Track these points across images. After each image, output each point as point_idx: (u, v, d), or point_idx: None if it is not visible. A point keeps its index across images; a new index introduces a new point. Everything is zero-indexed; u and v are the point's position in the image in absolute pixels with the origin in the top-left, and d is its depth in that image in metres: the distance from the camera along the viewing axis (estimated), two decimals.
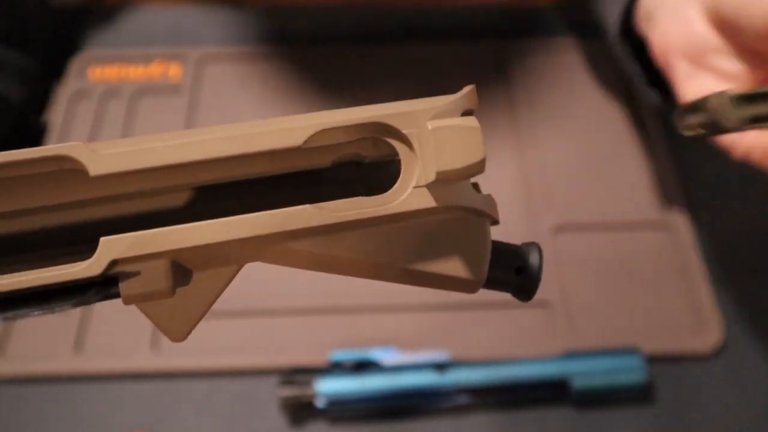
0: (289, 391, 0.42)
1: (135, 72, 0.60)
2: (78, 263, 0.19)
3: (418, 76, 0.59)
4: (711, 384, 0.45)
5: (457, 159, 0.19)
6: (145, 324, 0.46)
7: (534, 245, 0.22)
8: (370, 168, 0.21)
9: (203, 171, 0.19)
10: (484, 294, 0.48)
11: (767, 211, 0.53)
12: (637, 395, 0.44)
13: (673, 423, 0.44)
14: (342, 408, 0.43)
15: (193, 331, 0.25)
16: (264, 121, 0.20)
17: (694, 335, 0.46)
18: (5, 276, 0.18)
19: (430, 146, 0.19)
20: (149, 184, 0.19)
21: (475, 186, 0.21)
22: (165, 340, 0.46)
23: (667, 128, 0.56)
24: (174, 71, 0.60)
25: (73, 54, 0.61)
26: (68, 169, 0.19)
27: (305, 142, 0.19)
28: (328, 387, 0.42)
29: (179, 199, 0.20)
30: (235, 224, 0.20)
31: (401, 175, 0.20)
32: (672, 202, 0.52)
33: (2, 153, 0.18)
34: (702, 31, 0.37)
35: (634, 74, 0.47)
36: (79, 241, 0.20)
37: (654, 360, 0.45)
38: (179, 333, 0.22)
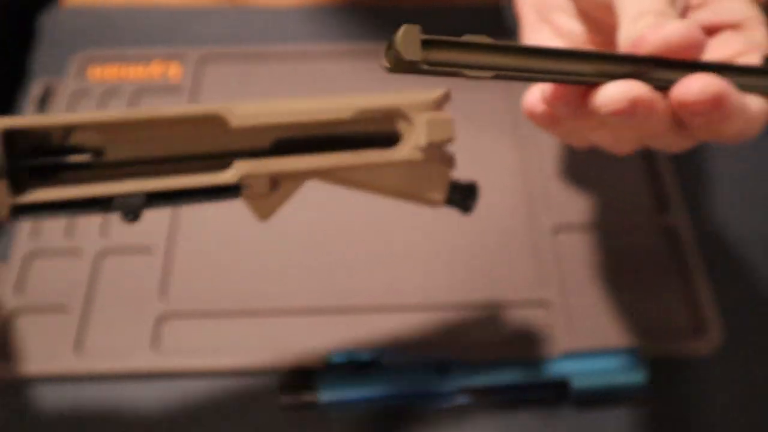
0: (289, 392, 0.42)
1: (135, 72, 0.60)
2: (222, 173, 0.32)
3: (419, 77, 0.59)
4: (710, 384, 0.45)
5: (438, 135, 0.33)
6: (145, 324, 0.47)
7: (473, 184, 0.37)
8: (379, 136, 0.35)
9: (287, 129, 0.33)
10: (484, 294, 0.48)
11: (766, 212, 0.53)
12: (637, 396, 0.44)
13: (673, 423, 0.44)
14: (342, 409, 0.43)
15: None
16: (327, 98, 0.33)
17: (693, 336, 0.46)
18: (177, 177, 0.32)
19: (423, 127, 0.33)
20: (259, 134, 0.33)
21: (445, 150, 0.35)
22: (165, 341, 0.46)
23: None
24: (174, 71, 0.60)
25: (72, 54, 0.61)
26: (214, 120, 0.32)
27: (352, 116, 0.33)
28: (328, 387, 0.42)
29: (266, 142, 0.33)
30: (307, 160, 0.33)
31: (403, 140, 0.34)
32: (672, 202, 0.52)
33: (173, 107, 0.31)
34: None
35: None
36: (213, 165, 0.33)
37: (653, 360, 0.45)
38: (266, 217, 0.34)
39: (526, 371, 0.43)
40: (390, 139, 0.34)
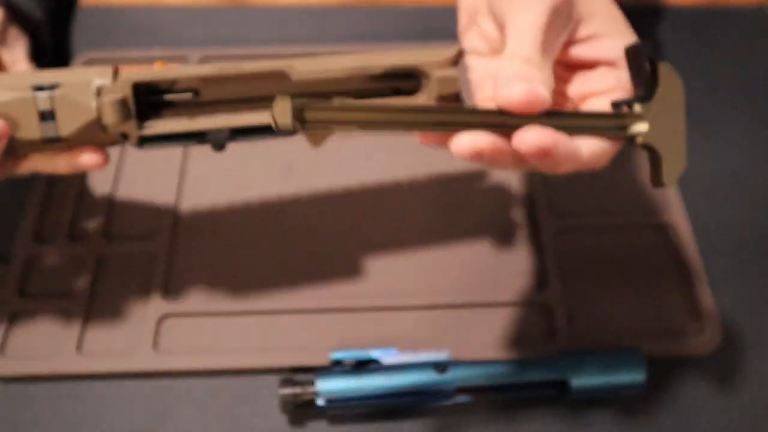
0: (289, 391, 0.42)
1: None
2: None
3: None
4: (709, 384, 0.45)
5: (446, 90, 0.40)
6: (146, 324, 0.47)
7: None
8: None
9: (332, 83, 0.41)
10: (484, 294, 0.48)
11: (765, 212, 0.53)
12: (636, 395, 0.44)
13: (672, 422, 0.44)
14: (342, 407, 0.43)
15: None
16: (357, 55, 0.41)
17: (692, 335, 0.46)
18: (252, 116, 0.41)
19: (436, 82, 0.40)
20: (312, 84, 0.41)
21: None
22: (165, 341, 0.47)
23: None
24: None
25: (74, 54, 0.61)
26: (281, 74, 0.41)
27: (384, 71, 0.40)
28: (328, 386, 0.42)
29: (319, 90, 0.41)
30: (345, 103, 0.36)
31: (422, 90, 0.41)
32: (671, 202, 0.52)
33: (248, 63, 0.41)
34: None
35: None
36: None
37: (653, 360, 0.45)
38: (318, 144, 0.35)
39: (525, 371, 0.43)
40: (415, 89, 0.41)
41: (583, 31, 0.37)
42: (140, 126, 0.41)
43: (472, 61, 0.40)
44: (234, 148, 0.55)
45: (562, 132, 0.33)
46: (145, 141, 0.41)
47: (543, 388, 0.43)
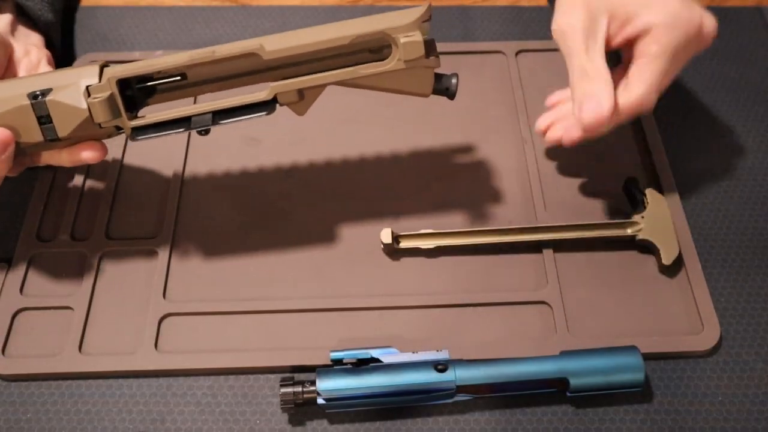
0: (289, 390, 0.42)
1: None
2: (261, 93, 0.44)
3: None
4: (708, 382, 0.45)
5: (411, 54, 0.42)
6: (148, 324, 0.47)
7: (455, 74, 0.46)
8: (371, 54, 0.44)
9: (303, 56, 0.43)
10: (484, 294, 0.47)
11: (764, 212, 0.53)
12: (635, 394, 0.44)
13: (671, 421, 0.44)
14: (342, 406, 0.43)
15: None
16: (326, 27, 0.43)
17: (691, 334, 0.46)
18: (231, 99, 0.44)
19: (402, 47, 0.42)
20: (284, 59, 0.44)
21: (433, 51, 0.44)
22: (166, 340, 0.47)
23: (666, 130, 0.57)
24: None
25: (75, 56, 0.62)
26: (253, 55, 0.43)
27: (350, 42, 0.43)
28: (328, 385, 0.42)
29: (291, 63, 0.44)
30: (318, 77, 0.44)
31: (391, 56, 0.43)
32: (670, 202, 0.52)
33: (221, 47, 0.43)
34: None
35: None
36: (258, 81, 0.45)
37: (652, 359, 0.45)
38: (302, 113, 0.45)
39: (525, 370, 0.43)
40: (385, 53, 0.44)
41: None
42: (131, 118, 0.44)
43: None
44: (235, 149, 0.56)
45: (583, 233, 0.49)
46: (137, 132, 0.44)
47: (543, 388, 0.43)
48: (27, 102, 0.43)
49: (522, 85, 0.59)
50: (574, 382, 0.43)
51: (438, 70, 0.45)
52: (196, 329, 0.47)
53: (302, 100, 0.44)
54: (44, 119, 0.43)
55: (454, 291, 0.48)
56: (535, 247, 0.50)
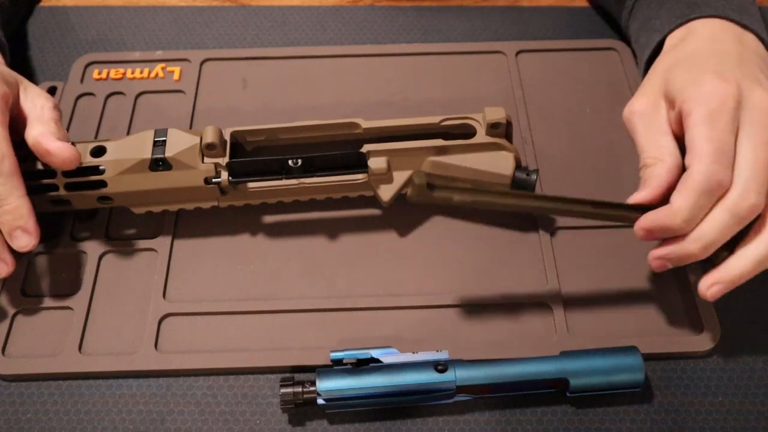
0: (289, 390, 0.42)
1: (138, 73, 0.60)
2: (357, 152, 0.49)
3: (419, 73, 0.60)
4: (708, 382, 0.45)
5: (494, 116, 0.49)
6: (147, 324, 0.47)
7: (534, 170, 0.49)
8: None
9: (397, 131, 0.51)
10: (484, 294, 0.47)
11: None
12: (635, 394, 0.44)
13: (671, 421, 0.44)
14: (342, 406, 0.43)
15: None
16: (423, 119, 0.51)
17: (690, 335, 0.47)
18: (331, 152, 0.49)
19: (483, 132, 0.49)
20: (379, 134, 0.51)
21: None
22: (166, 340, 0.47)
23: None
24: (176, 72, 0.60)
25: (77, 56, 0.62)
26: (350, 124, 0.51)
27: (440, 123, 0.50)
28: (328, 386, 0.42)
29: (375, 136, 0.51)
30: (409, 143, 0.49)
31: (476, 134, 0.49)
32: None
33: (317, 123, 0.51)
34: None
35: None
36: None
37: (651, 359, 0.45)
38: (388, 199, 0.49)
39: (525, 370, 0.43)
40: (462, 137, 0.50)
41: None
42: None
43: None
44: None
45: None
46: (235, 173, 0.48)
47: (543, 388, 0.43)
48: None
49: (522, 85, 0.59)
50: (574, 382, 0.43)
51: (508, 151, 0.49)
52: (196, 329, 0.47)
53: (390, 173, 0.48)
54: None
55: (454, 291, 0.48)
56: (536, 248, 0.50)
